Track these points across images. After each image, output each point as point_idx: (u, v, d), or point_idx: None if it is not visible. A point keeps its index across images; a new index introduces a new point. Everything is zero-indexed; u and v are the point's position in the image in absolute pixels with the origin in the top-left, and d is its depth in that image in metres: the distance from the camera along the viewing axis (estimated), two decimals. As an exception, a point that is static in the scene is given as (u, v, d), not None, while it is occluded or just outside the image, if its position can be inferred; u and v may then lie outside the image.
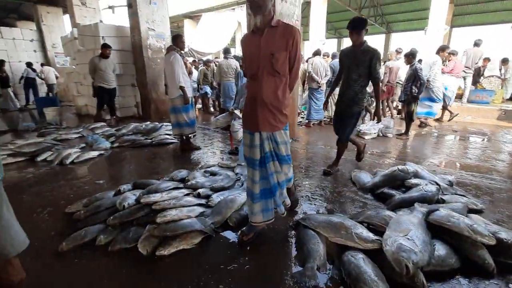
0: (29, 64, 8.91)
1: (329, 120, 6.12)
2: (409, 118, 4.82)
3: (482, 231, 1.60)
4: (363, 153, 3.34)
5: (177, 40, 3.52)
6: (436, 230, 1.73)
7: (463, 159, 3.69)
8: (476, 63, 7.15)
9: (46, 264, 1.68)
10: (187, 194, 2.32)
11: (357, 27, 2.62)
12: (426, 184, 2.35)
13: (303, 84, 5.82)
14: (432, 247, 1.56)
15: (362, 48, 2.68)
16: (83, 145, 4.14)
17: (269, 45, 1.59)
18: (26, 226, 1.05)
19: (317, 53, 5.61)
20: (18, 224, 0.99)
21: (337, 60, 5.85)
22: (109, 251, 1.77)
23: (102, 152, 3.86)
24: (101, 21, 6.90)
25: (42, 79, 9.23)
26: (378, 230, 1.78)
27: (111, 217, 1.98)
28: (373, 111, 6.30)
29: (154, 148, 4.24)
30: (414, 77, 4.54)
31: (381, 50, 10.62)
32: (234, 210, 2.08)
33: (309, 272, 1.50)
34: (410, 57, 4.70)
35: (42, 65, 9.56)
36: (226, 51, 5.88)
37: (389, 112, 6.59)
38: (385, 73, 5.96)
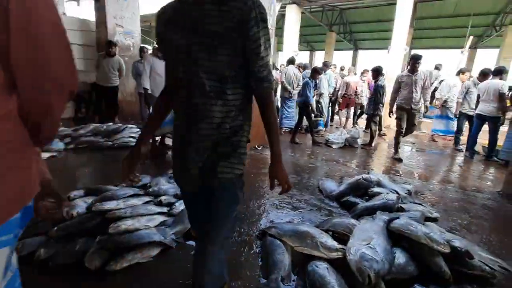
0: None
1: (300, 128, 6.24)
2: (370, 131, 5.10)
3: (438, 239, 1.67)
4: None
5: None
6: (396, 238, 1.78)
7: (421, 170, 3.95)
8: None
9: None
10: (148, 202, 2.15)
11: None
12: (387, 193, 2.44)
13: (275, 92, 5.88)
14: (392, 255, 1.59)
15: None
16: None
17: None
18: None
19: (291, 61, 5.71)
20: None
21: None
22: (50, 266, 1.54)
23: (54, 154, 3.48)
24: (64, 14, 6.41)
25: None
26: (343, 238, 1.79)
27: (55, 228, 1.75)
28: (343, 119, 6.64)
29: (115, 151, 3.94)
30: (376, 94, 4.83)
31: (349, 65, 11.25)
32: (198, 219, 1.96)
33: (273, 284, 1.44)
34: (376, 72, 5.01)
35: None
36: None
37: (347, 122, 6.96)
38: (342, 87, 6.55)
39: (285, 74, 5.48)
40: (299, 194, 2.73)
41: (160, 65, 3.69)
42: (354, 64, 20.76)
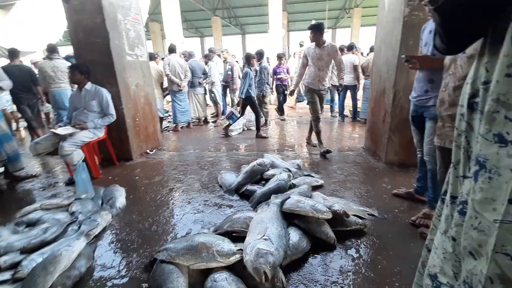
0: None
1: (197, 121, 5.98)
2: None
3: (321, 209, 1.81)
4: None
5: None
6: (290, 217, 1.86)
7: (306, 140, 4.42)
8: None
9: None
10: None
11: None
12: (280, 173, 2.56)
13: (161, 87, 5.32)
14: (287, 239, 1.63)
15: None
16: None
17: None
18: None
19: (172, 49, 5.22)
20: None
21: (194, 59, 5.72)
22: None
23: None
24: None
25: None
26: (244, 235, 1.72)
27: None
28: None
29: None
30: (261, 75, 5.03)
31: (238, 50, 11.52)
32: (60, 274, 1.49)
33: (166, 323, 1.22)
34: (259, 55, 5.19)
35: None
36: (51, 50, 4.51)
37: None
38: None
39: (169, 65, 4.99)
40: (198, 196, 2.54)
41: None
42: (243, 47, 21.51)
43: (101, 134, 3.14)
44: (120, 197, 2.46)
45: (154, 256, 1.60)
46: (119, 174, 3.17)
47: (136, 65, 3.70)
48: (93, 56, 3.24)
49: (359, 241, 1.80)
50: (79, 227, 1.93)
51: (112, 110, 3.10)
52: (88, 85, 3.03)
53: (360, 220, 1.93)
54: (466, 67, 1.30)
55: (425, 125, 1.87)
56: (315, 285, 1.45)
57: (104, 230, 2.03)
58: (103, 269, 1.64)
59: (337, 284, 1.45)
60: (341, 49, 5.58)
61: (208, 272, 1.48)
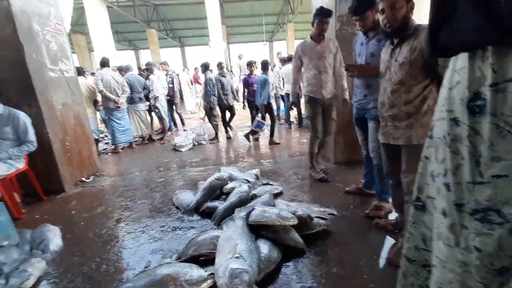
0: None
1: (141, 140, 5.51)
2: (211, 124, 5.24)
3: (287, 216, 1.82)
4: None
5: None
6: (257, 229, 1.81)
7: (257, 149, 4.49)
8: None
9: None
10: None
11: None
12: (240, 185, 2.50)
13: (94, 104, 4.76)
14: (258, 253, 1.58)
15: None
16: None
17: None
18: None
19: (104, 63, 4.72)
20: None
21: (132, 73, 5.32)
22: None
23: None
24: None
25: None
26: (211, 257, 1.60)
27: None
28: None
29: None
30: (206, 86, 4.93)
31: (178, 63, 11.17)
32: None
33: None
34: (204, 67, 5.10)
35: None
36: None
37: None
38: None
39: (102, 80, 4.51)
40: (153, 222, 2.29)
41: None
42: (184, 60, 21.05)
43: (20, 165, 2.61)
44: (54, 238, 2.05)
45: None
46: (49, 211, 2.66)
47: (61, 82, 3.23)
48: (4, 74, 2.71)
49: (325, 241, 1.86)
50: (6, 282, 1.53)
51: (31, 136, 2.60)
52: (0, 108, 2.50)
53: (322, 221, 2.01)
54: (399, 73, 1.48)
55: (368, 125, 2.08)
56: (293, 295, 1.43)
57: (39, 281, 1.65)
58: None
59: (313, 289, 1.46)
60: (284, 60, 5.92)
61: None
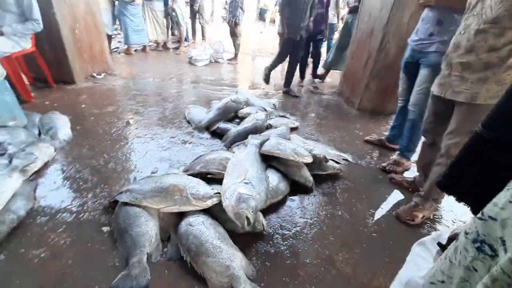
0: None
1: (155, 46, 5.10)
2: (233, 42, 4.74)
3: (302, 153, 1.72)
4: None
5: None
6: (268, 159, 1.74)
7: (278, 79, 4.16)
8: None
9: None
10: None
11: None
12: (256, 112, 2.35)
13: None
14: (267, 182, 1.53)
15: None
16: None
17: None
18: None
19: None
20: None
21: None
22: None
23: None
24: None
25: None
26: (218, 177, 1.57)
27: None
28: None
29: None
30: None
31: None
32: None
33: (135, 270, 1.08)
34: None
35: None
36: None
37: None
38: None
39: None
40: (163, 132, 2.24)
41: None
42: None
43: (26, 45, 2.41)
44: (64, 127, 2.02)
45: (115, 197, 1.37)
46: (59, 99, 2.59)
47: (69, -48, 2.72)
48: None
49: (335, 184, 1.81)
50: (10, 161, 1.54)
51: (36, 13, 2.30)
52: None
53: (336, 165, 1.92)
54: (496, 8, 1.11)
55: (419, 72, 1.77)
56: (294, 227, 1.44)
57: (46, 166, 1.68)
58: (51, 211, 1.37)
59: (315, 226, 1.46)
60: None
61: (181, 214, 1.34)
